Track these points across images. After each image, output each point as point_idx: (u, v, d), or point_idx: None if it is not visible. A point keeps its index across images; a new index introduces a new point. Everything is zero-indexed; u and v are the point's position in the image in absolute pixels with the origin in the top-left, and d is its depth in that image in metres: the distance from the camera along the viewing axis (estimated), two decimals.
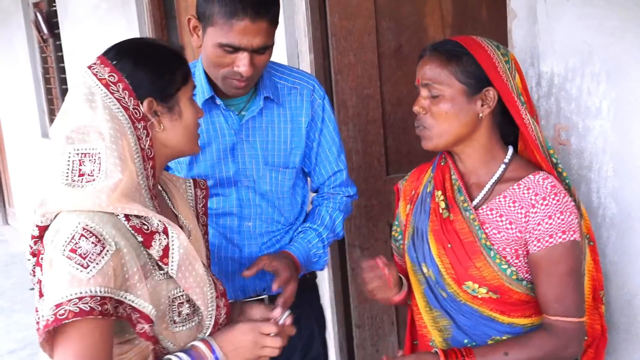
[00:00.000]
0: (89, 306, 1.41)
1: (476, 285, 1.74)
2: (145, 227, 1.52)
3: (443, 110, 1.73)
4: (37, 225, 1.55)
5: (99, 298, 1.43)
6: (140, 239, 1.52)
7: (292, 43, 3.12)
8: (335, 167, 2.26)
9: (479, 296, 1.75)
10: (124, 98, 1.56)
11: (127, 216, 1.50)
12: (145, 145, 1.58)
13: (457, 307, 1.80)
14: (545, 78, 2.01)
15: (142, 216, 1.52)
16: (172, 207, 1.74)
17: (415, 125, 1.80)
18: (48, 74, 6.53)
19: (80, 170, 1.52)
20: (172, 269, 1.55)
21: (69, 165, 1.52)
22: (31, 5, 6.45)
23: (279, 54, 2.94)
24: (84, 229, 1.46)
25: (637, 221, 1.86)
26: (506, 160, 1.79)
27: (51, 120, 6.68)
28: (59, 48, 5.99)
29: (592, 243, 1.81)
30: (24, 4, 6.50)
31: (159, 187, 1.74)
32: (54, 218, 1.53)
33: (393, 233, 2.06)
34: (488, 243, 1.72)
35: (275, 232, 2.20)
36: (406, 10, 3.09)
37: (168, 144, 1.64)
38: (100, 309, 1.42)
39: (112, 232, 1.48)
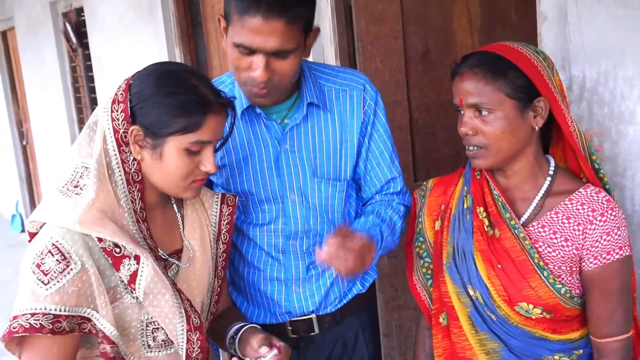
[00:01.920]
0: (40, 323, 1.46)
1: (530, 306, 1.68)
2: (117, 250, 1.54)
3: (499, 130, 1.65)
4: (29, 232, 1.61)
5: (51, 316, 1.47)
6: (110, 261, 1.54)
7: (318, 49, 3.09)
8: (389, 174, 2.02)
9: (533, 317, 1.70)
10: (118, 120, 1.55)
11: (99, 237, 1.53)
12: (130, 169, 1.58)
13: (507, 330, 1.73)
14: (577, 82, 1.96)
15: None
16: (181, 227, 1.74)
17: (465, 146, 1.71)
18: (77, 83, 6.58)
19: (78, 182, 1.56)
20: (139, 294, 1.57)
21: (72, 175, 1.57)
22: (60, 16, 6.51)
23: None
24: (53, 245, 1.50)
25: None
26: (551, 172, 1.74)
27: (80, 130, 6.73)
28: (87, 57, 6.03)
29: None
30: (54, 14, 6.56)
31: (173, 206, 1.74)
32: (41, 227, 1.58)
33: (417, 250, 1.95)
34: (541, 263, 1.67)
35: None
36: (433, 14, 3.03)
37: (148, 177, 1.61)
38: (51, 327, 1.47)
39: (80, 251, 1.51)
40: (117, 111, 1.55)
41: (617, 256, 1.65)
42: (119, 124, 1.55)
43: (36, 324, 1.46)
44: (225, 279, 1.89)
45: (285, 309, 2.03)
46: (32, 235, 1.59)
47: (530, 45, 1.70)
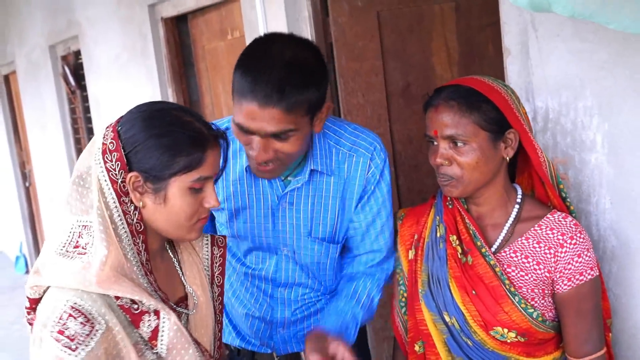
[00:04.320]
0: None
1: (505, 330, 1.73)
2: (135, 306, 1.47)
3: (473, 161, 1.70)
4: (28, 298, 1.51)
5: None
6: (129, 318, 1.47)
7: None
8: (374, 245, 1.97)
9: (508, 341, 1.74)
10: (114, 170, 1.47)
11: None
12: (133, 220, 1.50)
13: (483, 355, 1.77)
14: (541, 113, 2.02)
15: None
16: (180, 273, 1.67)
17: (439, 176, 1.76)
18: (76, 124, 6.66)
19: (77, 242, 1.47)
20: (161, 351, 1.49)
21: (69, 236, 1.48)
22: (59, 59, 6.62)
23: None
24: (72, 307, 1.41)
25: (638, 254, 1.85)
26: (519, 200, 1.79)
27: None
28: (85, 99, 6.13)
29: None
30: (53, 58, 6.67)
31: (168, 252, 1.68)
32: (45, 291, 1.49)
33: (397, 277, 1.98)
34: (512, 289, 1.72)
35: (312, 298, 2.06)
36: (413, 50, 3.11)
37: (151, 224, 1.54)
38: None
39: (102, 309, 1.42)
40: (111, 161, 1.47)
41: (589, 277, 1.71)
42: (116, 174, 1.47)
43: None
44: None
45: (268, 345, 2.08)
46: (34, 301, 1.50)
47: (498, 80, 1.76)
